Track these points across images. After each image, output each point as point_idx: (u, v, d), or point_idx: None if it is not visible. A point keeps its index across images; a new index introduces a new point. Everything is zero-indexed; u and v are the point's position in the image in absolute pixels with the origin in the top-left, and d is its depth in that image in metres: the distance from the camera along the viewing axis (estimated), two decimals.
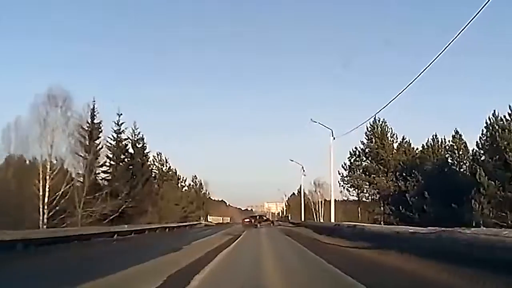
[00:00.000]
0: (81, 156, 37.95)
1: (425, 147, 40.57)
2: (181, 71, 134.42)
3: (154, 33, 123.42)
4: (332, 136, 33.21)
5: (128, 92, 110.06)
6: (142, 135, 48.09)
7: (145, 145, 48.33)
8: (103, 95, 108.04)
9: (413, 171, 39.21)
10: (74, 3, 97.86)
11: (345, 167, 46.41)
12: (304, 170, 52.48)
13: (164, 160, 56.56)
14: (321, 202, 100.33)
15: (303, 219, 53.36)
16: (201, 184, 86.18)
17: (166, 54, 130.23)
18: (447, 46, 15.75)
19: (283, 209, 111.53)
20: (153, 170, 55.31)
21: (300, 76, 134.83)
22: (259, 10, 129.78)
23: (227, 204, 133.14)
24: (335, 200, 70.36)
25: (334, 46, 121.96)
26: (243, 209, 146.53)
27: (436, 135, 40.35)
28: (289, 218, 61.35)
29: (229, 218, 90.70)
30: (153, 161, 56.16)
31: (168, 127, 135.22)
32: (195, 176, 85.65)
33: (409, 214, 37.31)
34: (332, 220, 32.58)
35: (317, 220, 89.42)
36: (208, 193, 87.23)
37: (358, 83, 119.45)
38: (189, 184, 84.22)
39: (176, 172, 57.42)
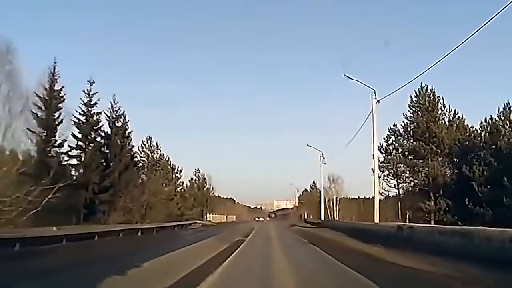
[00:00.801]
0: (32, 131, 28.22)
1: (496, 120, 29.28)
2: (187, 68, 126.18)
3: (160, 31, 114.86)
4: (375, 97, 22.52)
5: (130, 89, 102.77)
6: (124, 112, 37.61)
7: (127, 124, 37.78)
8: (105, 93, 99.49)
9: (481, 152, 28.17)
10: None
11: (381, 149, 35.36)
12: (324, 157, 41.76)
13: (155, 146, 46.09)
14: (336, 199, 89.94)
15: (322, 217, 42.47)
16: (204, 178, 76.13)
17: (172, 51, 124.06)
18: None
19: (294, 206, 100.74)
20: (141, 158, 45.06)
21: (305, 73, 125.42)
22: (262, 10, 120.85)
23: (236, 201, 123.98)
24: (347, 198, 58.94)
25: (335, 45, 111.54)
26: (252, 207, 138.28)
27: (508, 104, 29.07)
28: (305, 216, 49.56)
29: (234, 216, 79.85)
30: (142, 147, 45.82)
31: (175, 126, 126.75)
32: (198, 169, 75.68)
33: (478, 210, 26.27)
34: (376, 219, 21.69)
35: (331, 218, 78.70)
36: (212, 188, 76.91)
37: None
38: (191, 179, 75.17)
39: (169, 161, 46.90)
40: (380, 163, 34.67)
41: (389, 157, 34.83)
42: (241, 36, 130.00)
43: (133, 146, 38.59)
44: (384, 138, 35.05)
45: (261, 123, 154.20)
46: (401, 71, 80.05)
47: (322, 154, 41.99)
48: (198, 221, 41.64)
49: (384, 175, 35.23)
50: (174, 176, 47.47)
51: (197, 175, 76.13)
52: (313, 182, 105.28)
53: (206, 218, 47.53)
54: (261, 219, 75.54)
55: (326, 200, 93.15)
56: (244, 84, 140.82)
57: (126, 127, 38.08)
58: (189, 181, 75.02)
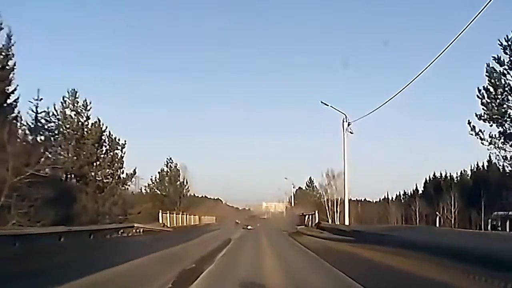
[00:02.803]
0: None
1: None
2: (181, 68, 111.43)
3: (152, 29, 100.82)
4: None
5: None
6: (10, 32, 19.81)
7: (10, 49, 19.99)
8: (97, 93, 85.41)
9: None
10: None
11: (489, 84, 17.27)
12: (349, 123, 24.30)
13: (83, 106, 27.90)
14: (338, 200, 72.27)
15: (345, 221, 24.57)
16: (177, 170, 58.22)
17: (165, 50, 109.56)
18: None
19: (286, 208, 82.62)
20: (59, 120, 26.91)
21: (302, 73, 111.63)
22: (260, 9, 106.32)
23: (224, 202, 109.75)
24: (357, 200, 39.60)
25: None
26: (240, 208, 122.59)
27: None
28: (315, 219, 29.38)
29: (214, 218, 61.63)
30: (62, 105, 27.55)
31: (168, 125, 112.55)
32: (170, 159, 57.99)
33: None
34: None
35: (333, 222, 61.11)
36: (187, 181, 59.33)
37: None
38: (161, 170, 57.30)
39: (104, 130, 28.65)
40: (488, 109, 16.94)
41: (499, 100, 16.90)
42: (238, 35, 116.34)
43: (16, 90, 20.53)
44: (485, 70, 17.46)
45: (256, 122, 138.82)
46: None
47: (345, 117, 24.55)
48: (138, 225, 23.49)
49: (493, 137, 17.54)
50: (113, 154, 29.51)
51: (168, 165, 58.40)
52: (310, 179, 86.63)
53: (160, 219, 29.25)
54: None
55: (325, 200, 75.86)
56: (239, 82, 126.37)
57: (10, 56, 20.39)
58: (158, 172, 57.53)
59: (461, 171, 79.11)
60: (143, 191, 60.47)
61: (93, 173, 27.73)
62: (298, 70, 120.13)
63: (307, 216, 30.07)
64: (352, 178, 73.98)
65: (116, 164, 28.65)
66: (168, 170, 58.07)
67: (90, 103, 28.42)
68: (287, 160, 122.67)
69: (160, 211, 29.25)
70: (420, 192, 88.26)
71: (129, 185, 29.54)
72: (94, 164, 27.72)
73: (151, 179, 56.13)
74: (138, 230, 22.72)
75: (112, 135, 29.71)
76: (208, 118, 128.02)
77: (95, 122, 28.44)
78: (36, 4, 74.00)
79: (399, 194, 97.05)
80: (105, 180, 28.08)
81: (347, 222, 23.81)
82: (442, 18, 75.43)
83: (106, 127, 29.48)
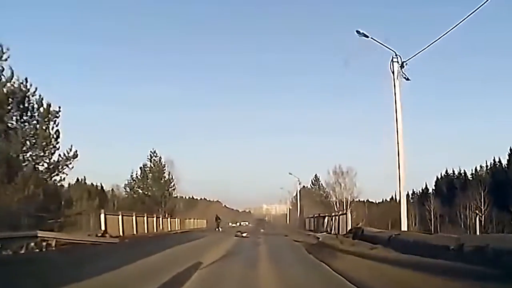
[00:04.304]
0: None
1: None
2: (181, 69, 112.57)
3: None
4: None
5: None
6: None
7: None
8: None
9: None
10: None
11: None
12: (402, 64, 14.47)
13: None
14: (347, 199, 62.14)
15: (402, 225, 14.49)
16: (162, 165, 48.43)
17: (168, 53, 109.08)
18: None
19: (289, 209, 72.80)
20: None
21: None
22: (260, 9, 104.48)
23: (223, 204, 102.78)
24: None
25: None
26: (240, 210, 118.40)
27: None
28: (347, 225, 18.09)
29: (205, 221, 51.53)
30: None
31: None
32: (155, 152, 48.43)
33: None
34: None
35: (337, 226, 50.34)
36: (173, 178, 49.57)
37: None
38: (143, 165, 46.55)
39: (30, 90, 18.39)
40: None
41: None
42: (238, 35, 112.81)
43: None
44: None
45: (255, 121, 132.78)
46: None
47: (396, 56, 14.66)
48: (46, 234, 12.98)
49: None
50: (45, 127, 19.40)
51: (152, 160, 48.32)
52: (315, 176, 76.53)
53: (101, 224, 18.43)
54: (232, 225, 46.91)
55: (334, 201, 65.60)
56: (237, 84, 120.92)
57: None
58: (140, 168, 47.65)
59: (475, 167, 70.56)
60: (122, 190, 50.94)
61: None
62: (297, 70, 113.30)
63: (326, 219, 19.82)
64: (356, 177, 64.28)
65: (39, 141, 18.59)
66: (152, 166, 48.23)
67: (8, 49, 18.53)
68: (289, 159, 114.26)
69: (103, 211, 18.94)
70: (431, 191, 79.56)
71: (65, 173, 19.41)
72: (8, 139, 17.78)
73: (131, 176, 46.58)
74: (47, 243, 12.63)
75: (42, 100, 19.77)
76: (208, 119, 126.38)
77: (12, 77, 18.47)
78: None
79: (408, 194, 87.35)
80: (23, 164, 18.19)
81: (404, 227, 13.72)
82: None
83: (36, 88, 19.64)
